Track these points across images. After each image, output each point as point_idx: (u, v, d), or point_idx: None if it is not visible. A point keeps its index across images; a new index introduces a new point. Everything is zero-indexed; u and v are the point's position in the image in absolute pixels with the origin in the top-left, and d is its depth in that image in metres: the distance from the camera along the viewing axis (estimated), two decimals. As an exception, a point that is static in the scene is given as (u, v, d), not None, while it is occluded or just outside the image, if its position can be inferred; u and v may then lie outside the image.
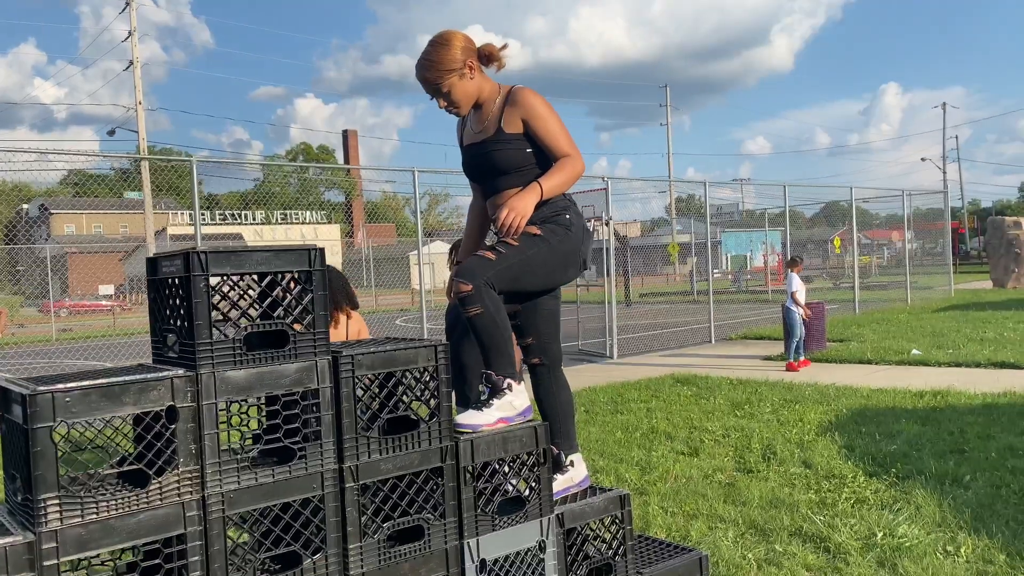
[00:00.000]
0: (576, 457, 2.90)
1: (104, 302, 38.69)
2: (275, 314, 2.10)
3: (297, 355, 2.11)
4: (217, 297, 2.01)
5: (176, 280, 2.05)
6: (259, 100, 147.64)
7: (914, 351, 11.43)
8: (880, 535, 4.28)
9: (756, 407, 7.88)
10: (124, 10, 33.40)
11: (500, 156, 2.85)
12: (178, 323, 2.05)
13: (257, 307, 2.11)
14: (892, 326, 15.22)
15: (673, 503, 5.06)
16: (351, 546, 2.14)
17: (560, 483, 2.77)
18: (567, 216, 2.84)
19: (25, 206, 63.95)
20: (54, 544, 1.73)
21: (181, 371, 1.95)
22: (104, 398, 1.82)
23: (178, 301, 2.05)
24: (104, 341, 21.77)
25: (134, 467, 1.88)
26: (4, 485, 1.96)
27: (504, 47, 2.93)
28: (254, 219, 45.01)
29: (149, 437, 1.88)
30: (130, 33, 33.33)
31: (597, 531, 2.78)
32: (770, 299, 27.65)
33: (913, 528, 4.37)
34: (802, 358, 10.58)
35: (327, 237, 45.98)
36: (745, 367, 11.16)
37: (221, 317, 2.03)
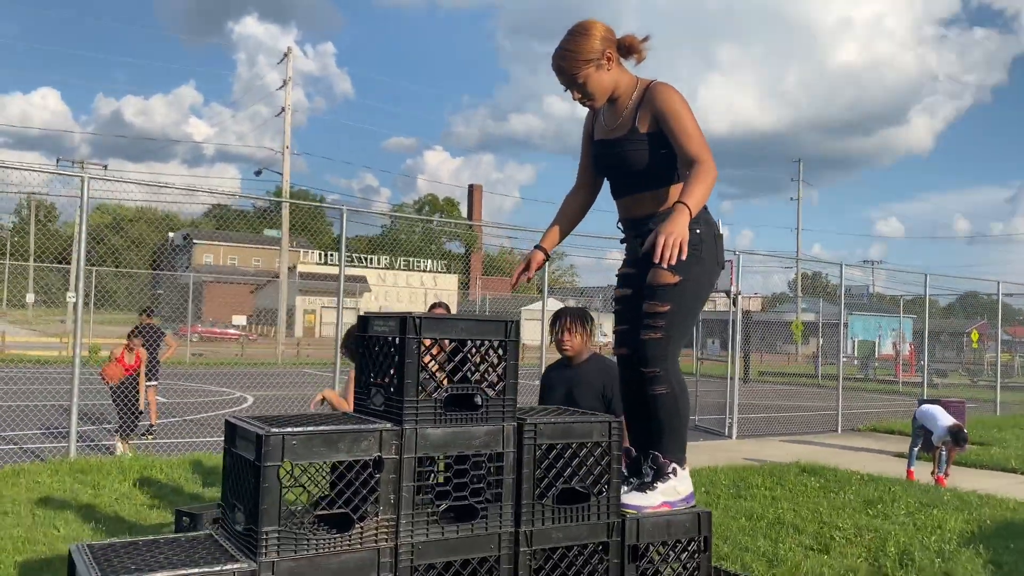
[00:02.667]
0: (681, 468, 2.66)
1: (232, 331, 40.85)
2: (473, 379, 2.24)
3: (488, 419, 2.24)
4: (427, 358, 2.17)
5: (389, 339, 2.22)
6: (390, 150, 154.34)
7: (1066, 464, 10.58)
8: (1037, 666, 3.99)
9: (890, 507, 7.49)
10: (282, 61, 35.90)
11: (633, 156, 2.73)
12: (386, 379, 2.22)
13: (456, 371, 2.25)
14: (1038, 433, 14.15)
15: (804, 601, 4.88)
16: (520, 609, 2.22)
17: (661, 492, 2.56)
18: (697, 232, 2.65)
19: (171, 235, 68.80)
20: (270, 574, 1.89)
21: (388, 424, 2.10)
22: (324, 444, 1.99)
23: (388, 359, 2.22)
24: (234, 370, 22.95)
25: (340, 511, 2.03)
26: (223, 512, 2.15)
27: (646, 39, 2.78)
28: (379, 263, 46.71)
29: (357, 484, 2.03)
30: (285, 82, 35.71)
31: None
32: (900, 390, 26.25)
33: (1075, 663, 4.04)
34: (911, 468, 9.45)
35: (445, 286, 47.08)
36: (875, 462, 10.62)
37: (428, 377, 2.18)
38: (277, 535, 1.91)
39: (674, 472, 2.63)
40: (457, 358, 2.25)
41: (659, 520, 2.50)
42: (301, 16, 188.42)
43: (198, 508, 5.58)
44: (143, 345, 10.61)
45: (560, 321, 4.33)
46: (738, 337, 13.46)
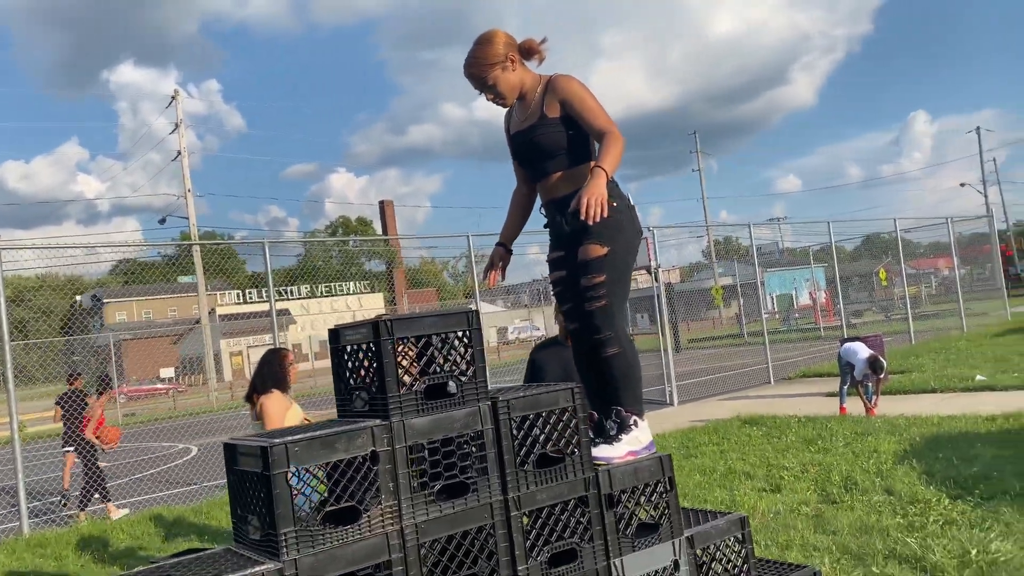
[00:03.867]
0: (641, 420, 2.95)
1: (160, 385, 39.68)
2: (445, 368, 2.46)
3: (464, 402, 2.46)
4: (400, 356, 2.37)
5: (364, 345, 2.41)
6: (291, 178, 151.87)
7: (979, 377, 11.43)
8: (974, 552, 4.43)
9: (829, 442, 8.01)
10: (170, 104, 35.08)
11: (543, 139, 3.03)
12: (367, 381, 2.41)
13: (429, 363, 2.46)
14: (951, 354, 15.16)
15: (765, 536, 5.25)
16: (519, 568, 2.45)
17: (626, 443, 2.81)
18: (615, 205, 2.88)
19: (79, 298, 66.05)
20: (294, 571, 2.06)
21: (377, 421, 2.30)
22: (323, 446, 2.17)
23: (367, 362, 2.41)
24: (170, 423, 22.39)
25: (347, 505, 2.21)
26: (234, 527, 2.30)
27: (543, 41, 3.11)
28: (300, 293, 45.98)
29: (358, 479, 2.22)
30: (176, 126, 34.91)
31: (721, 552, 3.02)
32: (822, 335, 27.49)
33: (1006, 544, 4.51)
34: (843, 404, 10.14)
35: (371, 305, 46.72)
36: (809, 405, 11.24)
37: (403, 373, 2.39)
38: (295, 535, 2.08)
39: (635, 423, 2.90)
40: (429, 352, 2.46)
41: (627, 468, 2.76)
42: (179, 57, 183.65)
43: (170, 556, 5.62)
44: (63, 414, 10.19)
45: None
46: (664, 309, 13.98)
